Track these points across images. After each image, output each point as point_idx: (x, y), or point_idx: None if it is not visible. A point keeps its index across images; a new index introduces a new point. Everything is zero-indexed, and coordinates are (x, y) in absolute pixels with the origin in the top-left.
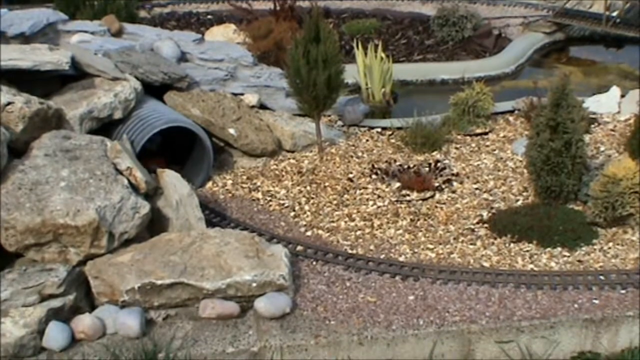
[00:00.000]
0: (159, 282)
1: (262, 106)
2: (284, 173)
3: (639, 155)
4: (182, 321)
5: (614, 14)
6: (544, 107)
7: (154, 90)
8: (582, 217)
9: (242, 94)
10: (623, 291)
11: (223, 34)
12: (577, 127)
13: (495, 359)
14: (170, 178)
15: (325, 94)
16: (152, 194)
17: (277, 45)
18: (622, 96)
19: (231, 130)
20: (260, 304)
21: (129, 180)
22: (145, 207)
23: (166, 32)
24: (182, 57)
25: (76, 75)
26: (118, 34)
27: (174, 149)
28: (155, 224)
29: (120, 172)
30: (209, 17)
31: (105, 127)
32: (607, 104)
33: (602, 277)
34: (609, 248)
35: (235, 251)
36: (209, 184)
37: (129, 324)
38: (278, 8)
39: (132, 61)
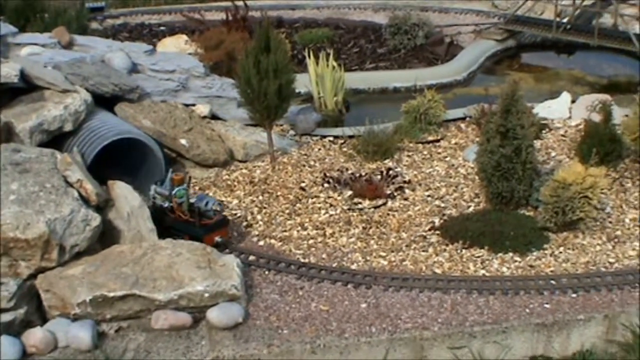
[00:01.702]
0: (111, 294)
1: (214, 116)
2: (236, 183)
3: (589, 160)
4: (134, 333)
5: (565, 20)
6: (494, 114)
7: (105, 101)
8: (533, 222)
9: (193, 105)
10: (574, 295)
11: (175, 45)
12: (527, 133)
13: None
14: (122, 190)
15: (277, 104)
16: (103, 206)
17: (229, 55)
18: (573, 102)
19: (183, 141)
20: (213, 314)
21: (79, 193)
22: (96, 219)
23: (117, 44)
24: (134, 69)
25: (26, 88)
26: (69, 46)
27: (125, 160)
28: (106, 236)
29: (70, 184)
30: (162, 28)
31: (56, 139)
32: (558, 110)
33: (553, 282)
34: (560, 252)
35: (187, 262)
36: None
37: (81, 337)
38: (230, 18)
39: (82, 73)
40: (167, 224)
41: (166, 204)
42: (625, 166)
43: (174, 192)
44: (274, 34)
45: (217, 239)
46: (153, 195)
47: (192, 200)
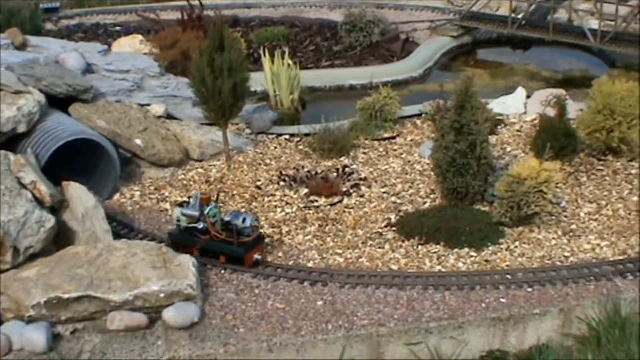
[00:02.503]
0: (66, 296)
1: (170, 116)
2: (192, 183)
3: (544, 155)
4: (90, 335)
5: (520, 16)
6: (449, 110)
7: (59, 102)
8: (488, 217)
9: (149, 105)
10: (530, 289)
11: (130, 45)
12: (481, 128)
13: None
14: (76, 191)
15: (231, 103)
16: (58, 207)
17: (184, 55)
18: (528, 97)
19: (138, 141)
20: (169, 315)
21: (33, 194)
22: (50, 221)
23: (72, 44)
24: (88, 69)
25: None
26: (22, 47)
27: (80, 161)
28: (61, 238)
29: (24, 186)
30: (117, 28)
31: (10, 141)
32: (513, 105)
33: (509, 276)
34: (516, 247)
35: (142, 262)
36: (117, 196)
37: (36, 340)
38: (186, 18)
39: (35, 74)
40: (196, 246)
41: (200, 226)
42: (580, 160)
43: (207, 211)
44: (228, 32)
45: (257, 256)
46: (177, 218)
47: (227, 219)
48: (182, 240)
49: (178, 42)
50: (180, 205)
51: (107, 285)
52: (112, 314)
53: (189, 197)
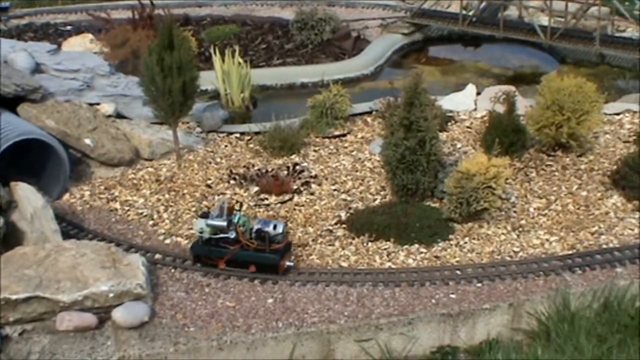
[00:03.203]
0: (14, 296)
1: (119, 115)
2: (142, 182)
3: (493, 151)
4: (39, 335)
5: (471, 13)
6: (398, 107)
7: (7, 102)
8: (438, 213)
9: (98, 104)
10: (479, 284)
11: (81, 44)
12: (430, 125)
13: (356, 357)
14: (24, 191)
15: (181, 101)
16: (6, 207)
17: (135, 53)
18: (478, 93)
19: (87, 141)
20: (118, 314)
21: None
22: None
23: (21, 44)
24: (37, 69)
25: None
26: None
27: (28, 161)
28: (10, 238)
29: None
30: (68, 27)
31: None
32: (463, 102)
33: (458, 272)
34: (465, 243)
35: (91, 262)
36: (67, 196)
37: None
38: (137, 17)
39: None
40: (225, 257)
41: (232, 235)
42: (529, 156)
43: (236, 220)
44: (177, 31)
45: (288, 263)
46: (200, 229)
47: (257, 226)
48: (207, 252)
49: (128, 40)
50: (203, 215)
51: (55, 286)
52: (61, 314)
53: (208, 207)
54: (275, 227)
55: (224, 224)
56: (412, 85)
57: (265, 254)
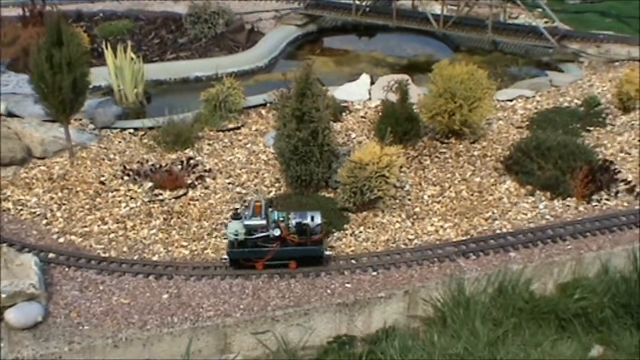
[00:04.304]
0: None
1: (11, 114)
2: (34, 181)
3: (385, 140)
4: None
5: (364, 3)
6: (290, 98)
7: None
8: (333, 203)
9: None
10: (375, 273)
11: None
12: (322, 115)
13: (252, 350)
14: None
15: (72, 98)
16: None
17: (25, 51)
18: (373, 83)
19: None
20: (10, 315)
21: None
22: None
23: None
24: None
25: None
26: None
27: None
28: None
29: None
30: None
31: None
32: (357, 92)
33: (354, 261)
34: (360, 232)
35: None
36: None
37: None
38: (27, 14)
39: None
40: (266, 257)
41: (277, 232)
42: (423, 144)
43: (275, 217)
44: (66, 27)
45: (327, 252)
46: (235, 232)
47: (295, 220)
48: (246, 255)
49: (19, 38)
50: (235, 217)
51: None
52: None
53: (236, 209)
54: (313, 218)
55: (264, 222)
56: (303, 76)
57: (308, 247)
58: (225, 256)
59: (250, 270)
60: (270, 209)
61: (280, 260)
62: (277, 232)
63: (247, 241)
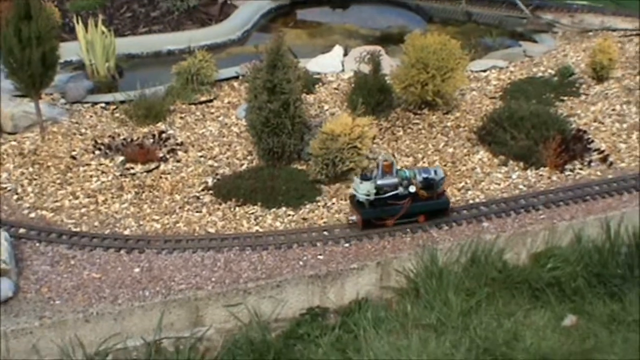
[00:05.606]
0: None
1: None
2: (5, 156)
3: (357, 111)
4: None
5: None
6: (260, 70)
7: None
8: (305, 176)
9: None
10: (347, 245)
11: None
12: (293, 87)
13: (225, 322)
14: None
15: (41, 72)
16: None
17: None
18: (346, 55)
19: None
20: None
21: None
22: None
23: None
24: None
25: None
26: None
27: None
28: None
29: None
30: None
31: None
32: (330, 64)
33: (326, 233)
34: (333, 204)
35: None
36: None
37: None
38: None
39: None
40: (399, 213)
41: (412, 189)
42: (396, 115)
43: (407, 174)
44: (34, 1)
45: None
46: (367, 192)
47: (421, 176)
48: (379, 214)
49: None
50: (364, 178)
51: None
52: None
53: (363, 169)
54: (436, 172)
55: (396, 180)
56: (274, 47)
57: (435, 201)
58: (352, 218)
59: (221, 243)
60: (399, 168)
61: (410, 217)
62: (412, 189)
63: (378, 200)
